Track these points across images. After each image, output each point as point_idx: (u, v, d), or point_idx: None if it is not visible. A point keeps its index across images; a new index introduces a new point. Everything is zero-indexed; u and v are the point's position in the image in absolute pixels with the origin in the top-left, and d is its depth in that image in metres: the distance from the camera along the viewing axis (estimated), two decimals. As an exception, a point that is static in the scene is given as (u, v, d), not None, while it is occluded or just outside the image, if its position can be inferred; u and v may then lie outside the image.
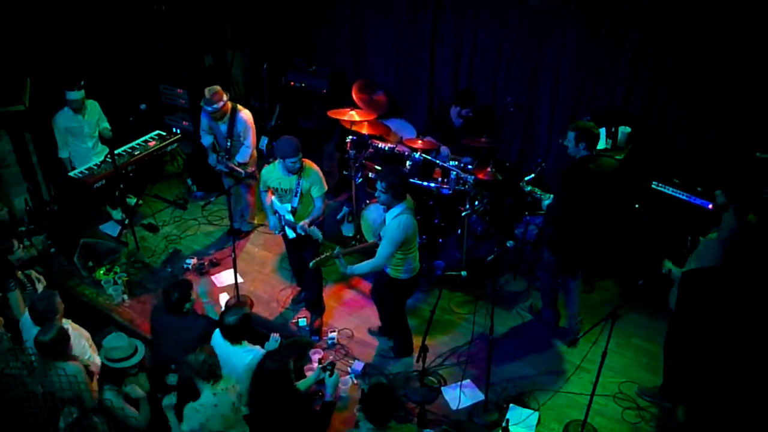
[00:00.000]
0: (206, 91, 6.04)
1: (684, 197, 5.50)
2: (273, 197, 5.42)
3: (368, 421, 3.84)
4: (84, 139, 6.67)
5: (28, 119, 6.45)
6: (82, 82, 6.42)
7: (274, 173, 5.32)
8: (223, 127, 6.23)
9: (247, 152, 6.25)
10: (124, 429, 4.19)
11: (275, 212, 5.45)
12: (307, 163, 5.29)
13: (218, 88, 6.07)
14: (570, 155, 5.01)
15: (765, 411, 4.63)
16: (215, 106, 6.01)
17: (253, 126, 6.27)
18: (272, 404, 4.14)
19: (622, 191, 5.32)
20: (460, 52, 6.89)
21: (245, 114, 6.23)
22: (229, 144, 6.26)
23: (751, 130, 5.49)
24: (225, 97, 6.07)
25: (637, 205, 5.82)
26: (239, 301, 5.85)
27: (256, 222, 7.04)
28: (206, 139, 6.39)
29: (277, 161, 5.26)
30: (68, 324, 4.63)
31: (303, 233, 5.26)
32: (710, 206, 4.76)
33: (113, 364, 4.26)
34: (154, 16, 7.47)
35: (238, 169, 6.24)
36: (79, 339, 4.67)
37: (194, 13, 7.57)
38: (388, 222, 4.80)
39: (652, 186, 5.61)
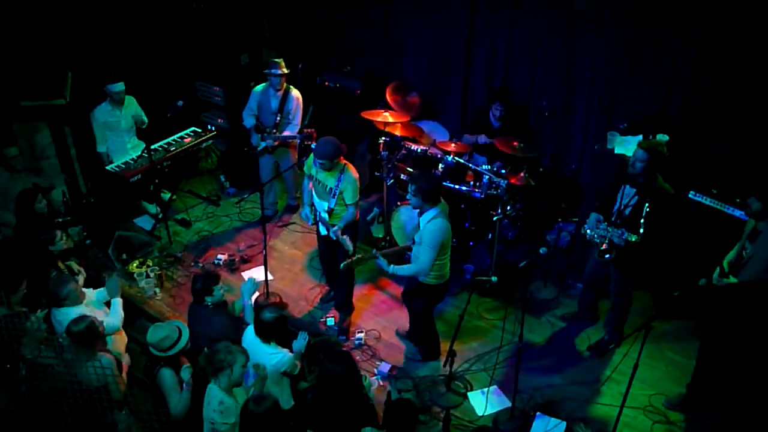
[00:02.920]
0: (273, 59, 6.56)
1: (722, 208, 5.38)
2: (312, 191, 5.49)
3: None
4: (121, 133, 6.78)
5: (68, 113, 6.57)
6: (113, 75, 6.55)
7: (312, 160, 5.42)
8: (274, 103, 6.54)
9: (294, 128, 6.55)
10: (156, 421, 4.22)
11: (312, 204, 5.51)
12: (349, 167, 5.31)
13: (280, 61, 6.54)
14: (635, 173, 4.81)
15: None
16: (277, 71, 6.46)
17: (302, 107, 6.63)
18: (342, 405, 4.06)
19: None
20: (495, 55, 6.83)
21: (296, 93, 6.61)
22: (277, 119, 6.56)
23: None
24: (283, 70, 6.50)
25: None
26: (278, 302, 5.86)
27: (297, 195, 7.17)
28: (249, 121, 6.70)
29: None
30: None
31: (334, 238, 5.28)
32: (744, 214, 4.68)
33: (165, 353, 4.34)
34: (193, 14, 7.56)
35: (287, 134, 6.57)
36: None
37: (232, 12, 7.64)
38: (423, 226, 4.78)
39: (689, 196, 5.50)
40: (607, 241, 4.88)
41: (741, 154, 5.64)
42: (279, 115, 6.56)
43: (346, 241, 5.19)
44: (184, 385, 4.35)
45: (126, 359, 4.89)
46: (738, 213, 5.24)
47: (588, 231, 5.02)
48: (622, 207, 4.91)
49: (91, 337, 4.32)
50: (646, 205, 4.69)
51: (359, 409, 4.13)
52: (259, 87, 6.62)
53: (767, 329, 4.51)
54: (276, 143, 6.64)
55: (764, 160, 5.47)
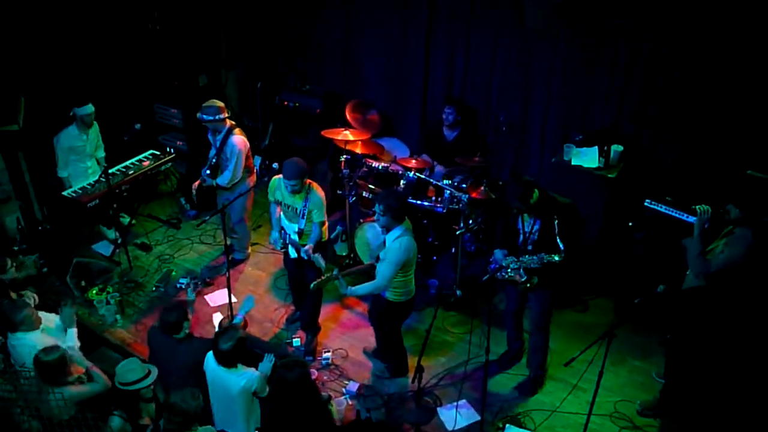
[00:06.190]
0: (206, 103, 6.10)
1: (677, 215, 5.52)
2: (281, 213, 5.44)
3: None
4: (84, 158, 6.67)
5: (21, 139, 6.43)
6: (74, 99, 6.43)
7: (277, 185, 5.38)
8: (216, 142, 6.23)
9: (227, 176, 6.18)
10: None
11: (281, 228, 5.46)
12: (315, 186, 5.31)
13: (218, 103, 6.11)
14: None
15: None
16: (203, 115, 6.05)
17: (244, 151, 6.15)
18: (297, 414, 4.02)
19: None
20: (452, 72, 6.93)
21: (237, 138, 6.14)
22: (214, 161, 6.25)
23: (742, 148, 5.54)
24: (220, 115, 6.06)
25: (630, 224, 5.84)
26: (232, 324, 5.79)
27: (249, 251, 6.97)
28: (211, 152, 6.35)
29: (281, 177, 5.28)
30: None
31: (306, 258, 5.27)
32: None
33: (126, 387, 4.22)
34: (149, 36, 7.50)
35: (219, 183, 6.23)
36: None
37: (188, 33, 7.60)
38: (389, 244, 4.80)
39: (645, 204, 5.63)
40: (521, 271, 4.84)
41: (692, 164, 5.81)
42: (216, 156, 6.20)
43: (319, 258, 5.21)
44: None
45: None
46: (693, 219, 5.38)
47: (500, 273, 4.90)
48: (528, 234, 4.86)
49: (60, 368, 4.26)
50: (556, 223, 4.64)
51: (316, 419, 4.10)
52: None
53: (732, 332, 4.64)
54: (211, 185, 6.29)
55: (715, 172, 5.64)
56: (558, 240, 4.62)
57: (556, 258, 4.68)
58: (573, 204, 4.87)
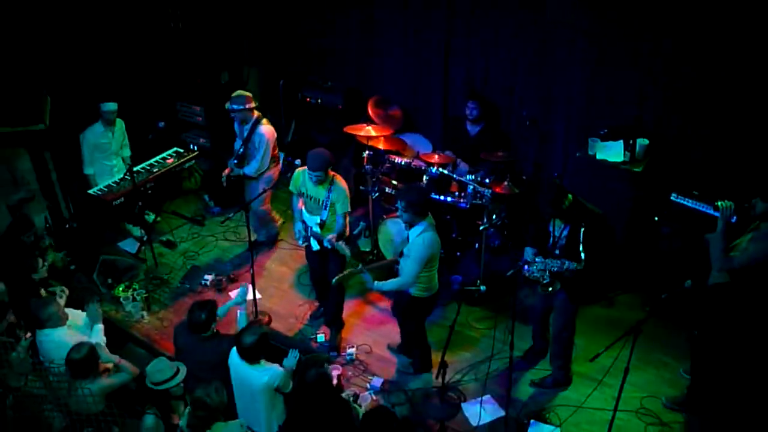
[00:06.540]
0: (235, 94, 6.23)
1: (704, 209, 5.44)
2: (303, 207, 5.46)
3: None
4: (109, 156, 6.78)
5: (48, 138, 6.52)
6: (92, 98, 6.55)
7: (302, 177, 5.39)
8: (243, 131, 6.32)
9: (255, 166, 6.29)
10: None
11: (303, 222, 5.49)
12: (338, 178, 5.33)
13: (246, 93, 6.23)
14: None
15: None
16: (231, 105, 6.17)
17: (272, 141, 6.29)
18: (316, 413, 4.08)
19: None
20: (474, 67, 6.89)
21: (265, 128, 6.27)
22: (242, 150, 6.32)
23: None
24: (249, 104, 6.18)
25: (656, 218, 5.77)
26: (256, 320, 5.84)
27: (280, 221, 7.02)
28: (237, 143, 6.47)
29: (305, 169, 5.30)
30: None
31: (330, 246, 5.27)
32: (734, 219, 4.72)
33: (157, 387, 4.28)
34: (171, 34, 7.55)
35: (245, 173, 6.34)
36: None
37: (211, 32, 7.64)
38: (413, 239, 4.79)
39: (671, 198, 5.55)
40: (547, 274, 4.82)
41: (720, 156, 5.72)
42: (244, 146, 6.31)
43: (343, 246, 5.20)
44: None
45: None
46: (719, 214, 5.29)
47: (526, 268, 4.90)
48: (557, 239, 4.85)
49: (91, 362, 4.35)
50: (582, 230, 4.63)
51: (336, 418, 4.13)
52: None
53: (758, 329, 4.57)
54: (239, 174, 6.39)
55: (742, 165, 5.55)
56: (581, 249, 4.60)
57: (574, 265, 4.66)
58: (604, 216, 4.82)
